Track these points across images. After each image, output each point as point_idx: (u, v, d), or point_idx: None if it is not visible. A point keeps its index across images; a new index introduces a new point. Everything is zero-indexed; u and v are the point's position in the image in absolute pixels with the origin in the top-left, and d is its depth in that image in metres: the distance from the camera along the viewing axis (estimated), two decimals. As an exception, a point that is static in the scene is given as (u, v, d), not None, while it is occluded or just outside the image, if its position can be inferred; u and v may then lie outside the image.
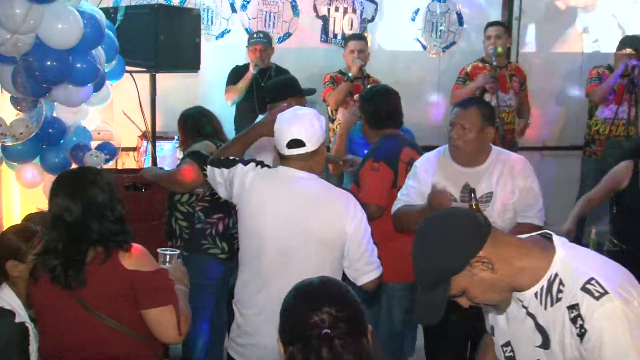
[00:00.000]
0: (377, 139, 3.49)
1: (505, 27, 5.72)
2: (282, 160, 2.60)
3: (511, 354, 1.90)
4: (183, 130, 3.82)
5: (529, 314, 1.80)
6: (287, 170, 2.57)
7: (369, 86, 3.65)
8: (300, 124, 2.53)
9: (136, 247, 2.25)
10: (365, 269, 2.58)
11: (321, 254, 2.50)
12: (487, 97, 5.47)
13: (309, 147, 2.53)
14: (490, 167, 3.02)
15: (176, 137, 4.75)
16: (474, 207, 2.81)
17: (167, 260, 2.45)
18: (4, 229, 2.89)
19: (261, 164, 2.63)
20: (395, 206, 3.13)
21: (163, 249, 2.52)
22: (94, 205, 2.22)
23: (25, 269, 2.45)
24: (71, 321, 2.19)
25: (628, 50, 5.39)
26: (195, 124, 3.78)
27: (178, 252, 2.51)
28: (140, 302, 2.17)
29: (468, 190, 2.89)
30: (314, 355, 1.47)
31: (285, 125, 2.54)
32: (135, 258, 2.20)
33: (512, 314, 1.87)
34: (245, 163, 2.63)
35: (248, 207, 2.57)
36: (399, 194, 3.15)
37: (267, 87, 4.13)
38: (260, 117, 4.10)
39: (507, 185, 2.99)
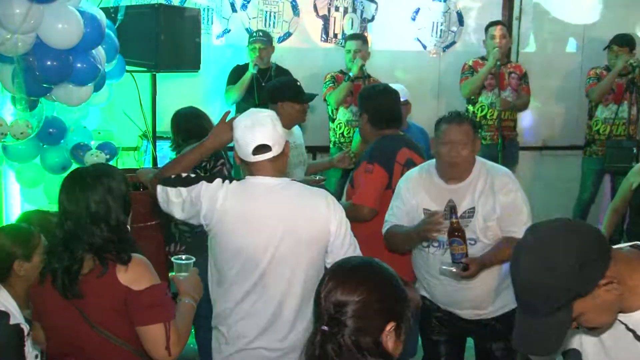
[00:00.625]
0: (375, 140, 3.45)
1: (506, 27, 5.73)
2: (248, 166, 2.50)
3: None
4: (175, 131, 3.76)
5: (637, 337, 1.63)
6: (259, 180, 2.48)
7: (369, 85, 3.62)
8: (263, 129, 2.45)
9: (136, 260, 2.17)
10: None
11: (309, 255, 2.47)
12: (485, 93, 5.49)
13: (276, 151, 2.47)
14: (474, 181, 2.92)
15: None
16: (454, 224, 2.76)
17: (182, 269, 2.33)
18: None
19: (229, 179, 2.52)
20: (385, 227, 3.05)
21: (177, 257, 2.37)
22: (86, 211, 2.16)
23: (31, 268, 2.44)
24: (70, 328, 2.18)
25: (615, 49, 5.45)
26: (187, 125, 3.72)
27: (193, 260, 2.36)
28: (131, 319, 2.15)
29: (449, 207, 2.82)
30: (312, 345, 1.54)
31: (248, 132, 2.45)
32: (131, 272, 2.14)
33: (612, 337, 1.68)
34: (210, 180, 2.48)
35: (226, 226, 2.44)
36: (386, 215, 3.06)
37: (267, 88, 4.11)
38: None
39: (489, 201, 2.87)
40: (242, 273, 2.44)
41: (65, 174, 3.73)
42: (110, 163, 4.11)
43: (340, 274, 1.61)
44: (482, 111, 5.56)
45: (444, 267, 2.84)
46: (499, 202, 2.86)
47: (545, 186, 6.14)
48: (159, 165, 4.38)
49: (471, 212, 2.89)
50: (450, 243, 2.79)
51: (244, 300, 2.45)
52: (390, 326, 1.56)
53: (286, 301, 2.45)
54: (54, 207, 3.69)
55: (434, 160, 3.01)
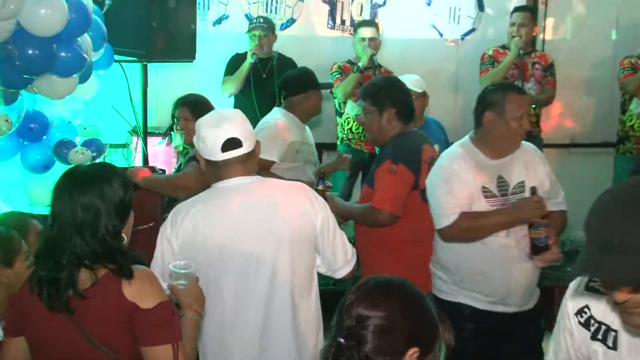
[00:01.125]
0: (392, 138, 3.38)
1: (532, 12, 5.70)
2: (216, 169, 2.44)
3: None
4: (194, 118, 3.77)
5: None
6: (228, 182, 2.44)
7: (381, 76, 3.60)
8: (231, 122, 2.42)
9: (140, 272, 2.14)
10: (342, 258, 2.57)
11: (293, 256, 2.45)
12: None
13: (247, 147, 2.42)
14: (515, 154, 3.10)
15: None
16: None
17: (181, 278, 2.27)
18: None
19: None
20: (452, 218, 3.00)
21: (176, 264, 2.29)
22: (71, 218, 2.11)
23: (14, 274, 2.45)
24: (63, 343, 2.16)
25: None
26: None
27: (193, 269, 2.28)
28: (137, 338, 2.14)
29: (530, 189, 2.98)
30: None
31: (214, 128, 2.41)
32: (137, 287, 2.11)
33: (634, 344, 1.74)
34: (168, 219, 2.46)
35: (203, 251, 2.39)
36: (448, 206, 3.03)
37: (286, 79, 4.17)
38: (276, 111, 4.12)
39: (538, 171, 3.10)
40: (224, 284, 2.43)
41: (47, 173, 3.78)
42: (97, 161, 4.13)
43: (368, 287, 1.61)
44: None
45: (534, 255, 3.01)
46: (545, 172, 3.11)
47: (573, 187, 6.06)
48: (150, 164, 4.38)
49: (521, 186, 3.05)
50: (535, 227, 2.94)
51: (226, 322, 2.44)
52: (413, 352, 1.54)
53: (274, 310, 2.44)
54: (34, 209, 3.70)
55: (466, 139, 3.15)
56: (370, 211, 3.25)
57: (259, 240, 2.42)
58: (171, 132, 3.83)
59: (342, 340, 1.53)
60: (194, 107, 3.78)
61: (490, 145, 3.07)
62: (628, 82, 5.56)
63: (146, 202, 3.67)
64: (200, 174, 3.54)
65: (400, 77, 4.39)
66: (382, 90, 3.43)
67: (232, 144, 2.40)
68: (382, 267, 2.85)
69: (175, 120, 3.84)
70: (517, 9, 5.60)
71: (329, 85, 4.02)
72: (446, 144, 4.29)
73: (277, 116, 4.10)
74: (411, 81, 4.33)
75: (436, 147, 4.04)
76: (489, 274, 3.06)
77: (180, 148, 3.76)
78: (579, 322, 1.84)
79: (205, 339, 2.48)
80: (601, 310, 1.80)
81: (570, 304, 1.88)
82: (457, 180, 3.03)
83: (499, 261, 3.05)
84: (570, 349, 1.90)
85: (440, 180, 3.08)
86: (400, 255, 3.24)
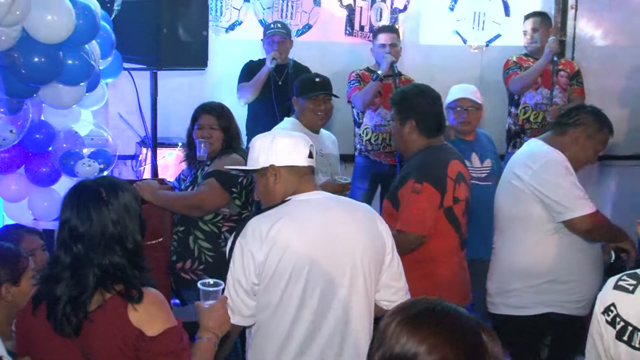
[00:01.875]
0: (418, 151, 3.38)
1: (544, 17, 5.66)
2: (297, 178, 2.51)
3: None
4: (227, 130, 3.76)
5: None
6: (306, 196, 2.51)
7: (407, 85, 3.58)
8: (301, 134, 2.61)
9: (149, 297, 2.14)
10: (406, 287, 2.59)
11: (370, 275, 2.49)
12: (529, 92, 5.43)
13: (314, 160, 2.58)
14: None
15: (180, 144, 4.76)
16: None
17: (209, 296, 2.26)
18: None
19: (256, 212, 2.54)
20: (592, 207, 3.24)
21: (204, 281, 2.30)
22: (101, 233, 2.13)
23: (19, 293, 2.48)
24: None
25: None
26: (237, 130, 3.81)
27: (222, 286, 2.29)
28: None
29: None
30: None
31: (290, 136, 2.57)
32: (143, 311, 2.11)
33: None
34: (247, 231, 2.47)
35: (287, 262, 2.41)
36: (583, 195, 3.25)
37: (295, 85, 4.18)
38: (285, 122, 4.12)
39: None
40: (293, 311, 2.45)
41: (54, 187, 3.79)
42: (106, 173, 4.14)
43: (409, 317, 1.46)
44: (525, 113, 5.51)
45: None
46: None
47: (606, 202, 6.05)
48: (159, 176, 4.39)
49: None
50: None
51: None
52: None
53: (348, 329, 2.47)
54: (38, 224, 3.72)
55: (545, 144, 3.37)
56: (396, 236, 3.22)
57: (344, 258, 2.46)
58: (196, 141, 3.77)
59: None
60: (219, 115, 3.78)
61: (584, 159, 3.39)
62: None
63: (154, 216, 3.67)
64: (217, 194, 3.58)
65: (455, 87, 4.45)
66: (407, 100, 3.43)
67: (311, 152, 2.53)
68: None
69: (195, 128, 3.80)
70: (529, 15, 5.59)
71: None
72: (496, 156, 4.36)
73: (284, 127, 4.09)
74: (466, 93, 4.33)
75: (488, 161, 4.02)
76: (582, 275, 3.28)
77: (204, 158, 3.74)
78: (606, 321, 1.89)
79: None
80: (628, 309, 1.85)
81: (598, 303, 1.94)
82: (573, 179, 3.27)
83: (592, 263, 3.31)
84: (601, 352, 1.94)
85: (565, 172, 3.25)
86: (422, 273, 3.21)
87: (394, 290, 2.57)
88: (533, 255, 3.30)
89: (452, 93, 4.38)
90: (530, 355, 3.42)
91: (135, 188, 3.78)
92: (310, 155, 2.52)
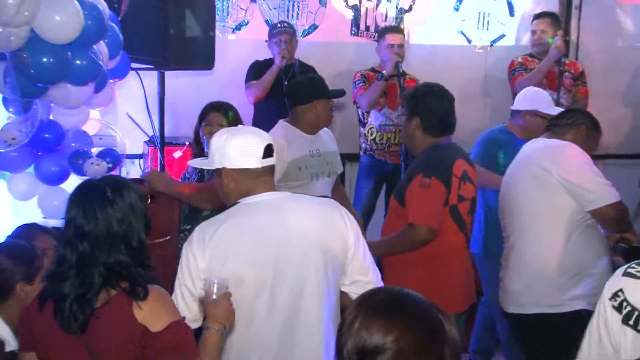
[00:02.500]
0: (423, 149, 3.38)
1: (554, 18, 5.63)
2: (251, 179, 2.44)
3: None
4: (228, 125, 3.69)
5: None
6: (258, 197, 2.43)
7: (421, 83, 3.55)
8: (260, 132, 2.49)
9: (153, 294, 2.14)
10: (374, 281, 2.54)
11: (327, 272, 2.44)
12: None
13: (274, 159, 2.48)
14: None
15: (187, 143, 4.76)
16: None
17: (214, 291, 2.25)
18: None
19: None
20: (616, 197, 3.28)
21: (207, 279, 2.29)
22: (107, 231, 2.14)
23: (32, 291, 2.47)
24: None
25: None
26: None
27: (227, 281, 2.28)
28: None
29: None
30: None
31: (251, 133, 2.47)
32: (148, 308, 2.11)
33: None
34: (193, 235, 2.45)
35: (229, 269, 2.36)
36: (611, 186, 3.29)
37: (291, 87, 4.08)
38: (277, 126, 4.07)
39: None
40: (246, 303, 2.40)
41: (61, 186, 3.80)
42: (113, 172, 4.14)
43: (372, 309, 1.54)
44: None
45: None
46: None
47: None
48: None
49: None
50: None
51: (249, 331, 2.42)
52: None
53: (297, 332, 2.42)
54: (48, 222, 3.72)
55: (555, 140, 3.43)
56: (407, 230, 3.22)
57: (293, 258, 2.40)
58: (204, 138, 3.75)
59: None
60: (228, 113, 3.79)
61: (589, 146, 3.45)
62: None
63: (162, 214, 3.68)
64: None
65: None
66: (415, 98, 3.43)
67: (269, 151, 2.43)
68: (407, 283, 2.83)
69: (203, 125, 3.80)
70: (537, 15, 5.55)
71: (340, 93, 3.96)
72: None
73: (275, 133, 3.79)
74: (524, 97, 4.33)
75: None
76: (604, 267, 3.30)
77: None
78: (613, 306, 1.92)
79: (230, 355, 2.44)
80: (636, 294, 1.88)
81: (606, 289, 1.96)
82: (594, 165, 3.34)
83: (609, 255, 3.36)
84: (603, 335, 1.96)
85: (590, 162, 3.32)
86: (426, 271, 3.23)
87: (362, 284, 2.50)
88: (563, 250, 3.27)
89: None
90: (564, 352, 3.38)
91: (147, 177, 3.79)
92: (268, 155, 2.43)
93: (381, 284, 2.56)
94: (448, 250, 3.30)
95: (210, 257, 2.38)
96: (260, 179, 2.45)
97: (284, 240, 2.41)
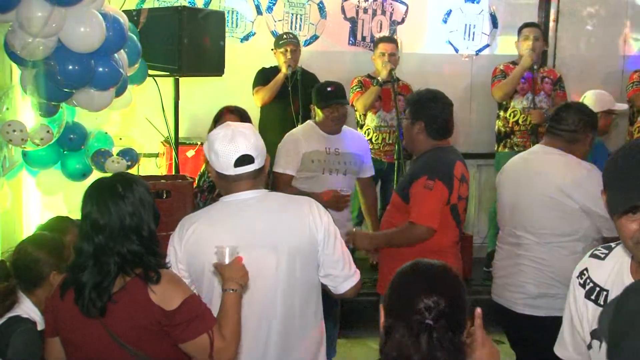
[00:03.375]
0: (425, 151, 3.34)
1: (540, 28, 5.64)
2: (226, 182, 2.40)
3: None
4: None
5: None
6: (233, 197, 2.41)
7: (422, 89, 3.53)
8: (244, 138, 2.36)
9: (165, 276, 2.15)
10: (343, 274, 2.48)
11: (293, 268, 2.39)
12: (517, 98, 5.40)
13: (258, 164, 2.38)
14: None
15: (200, 143, 4.76)
16: None
17: (227, 254, 2.22)
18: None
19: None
20: None
21: (218, 246, 2.26)
22: (120, 224, 2.14)
23: (61, 279, 2.48)
24: (95, 346, 2.17)
25: None
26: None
27: (237, 247, 2.25)
28: (171, 338, 2.13)
29: None
30: (411, 339, 1.56)
31: (229, 142, 2.34)
32: (161, 291, 2.12)
33: None
34: (176, 229, 2.43)
35: (200, 260, 2.35)
36: None
37: (316, 89, 4.14)
38: (306, 123, 4.12)
39: None
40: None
41: (85, 181, 3.80)
42: (131, 170, 4.15)
43: (428, 273, 1.68)
44: (514, 117, 5.48)
45: None
46: None
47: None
48: (180, 172, 4.40)
49: None
50: None
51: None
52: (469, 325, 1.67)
53: (275, 321, 2.39)
54: (72, 216, 3.73)
55: (560, 152, 3.27)
56: (408, 227, 3.22)
57: (260, 252, 2.36)
58: None
59: (431, 321, 1.57)
60: (242, 116, 3.77)
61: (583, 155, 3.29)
62: (637, 97, 5.48)
63: (176, 208, 3.67)
64: None
65: (587, 93, 4.45)
66: (419, 103, 3.39)
67: (245, 160, 2.36)
68: None
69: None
70: (528, 24, 5.53)
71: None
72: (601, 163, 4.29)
73: (297, 129, 4.18)
74: (596, 100, 4.29)
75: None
76: None
77: None
78: (579, 283, 1.95)
79: None
80: (598, 273, 1.91)
81: (575, 269, 2.00)
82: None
83: None
84: (573, 311, 1.98)
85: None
86: None
87: (332, 277, 2.48)
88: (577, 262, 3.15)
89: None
90: None
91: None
92: (243, 163, 2.35)
93: (354, 277, 2.51)
94: (449, 244, 3.29)
95: (185, 249, 2.38)
96: (236, 183, 2.40)
97: (248, 231, 2.36)
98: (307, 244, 2.42)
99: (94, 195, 2.21)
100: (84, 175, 3.79)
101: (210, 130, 3.81)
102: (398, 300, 1.64)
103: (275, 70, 5.15)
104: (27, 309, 2.49)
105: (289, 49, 5.09)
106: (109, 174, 2.36)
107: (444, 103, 3.40)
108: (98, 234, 2.15)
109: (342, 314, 4.22)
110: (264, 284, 2.37)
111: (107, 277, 2.12)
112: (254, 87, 5.18)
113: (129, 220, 2.15)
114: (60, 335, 2.25)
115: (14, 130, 3.30)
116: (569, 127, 3.26)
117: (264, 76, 5.16)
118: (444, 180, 3.21)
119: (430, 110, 3.33)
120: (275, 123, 4.98)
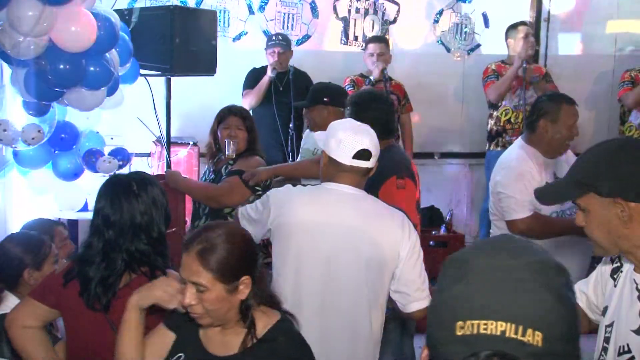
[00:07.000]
0: (384, 150, 3.31)
1: (530, 27, 5.64)
2: (337, 170, 2.45)
3: (609, 334, 1.86)
4: (251, 130, 3.71)
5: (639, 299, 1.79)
6: (335, 186, 2.46)
7: (364, 90, 3.51)
8: (369, 136, 2.45)
9: (172, 275, 2.12)
10: (416, 295, 2.47)
11: (368, 275, 2.42)
12: (508, 96, 5.41)
13: (372, 163, 2.46)
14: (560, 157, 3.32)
15: (191, 143, 4.75)
16: None
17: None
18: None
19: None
20: (527, 212, 3.15)
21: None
22: (131, 222, 2.15)
23: (41, 276, 2.48)
24: (95, 335, 2.17)
25: None
26: (257, 133, 3.76)
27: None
28: None
29: None
30: None
31: (355, 134, 2.43)
32: None
33: (624, 294, 1.84)
34: (272, 193, 2.55)
35: (287, 232, 2.44)
36: (524, 202, 3.12)
37: (331, 87, 4.03)
38: (307, 134, 4.12)
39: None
40: (297, 283, 2.42)
41: (76, 181, 3.78)
42: (122, 170, 4.13)
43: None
44: (506, 115, 5.49)
45: None
46: None
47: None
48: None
49: None
50: None
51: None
52: None
53: (336, 321, 2.42)
54: (64, 215, 3.71)
55: (520, 143, 3.33)
56: None
57: (342, 247, 2.41)
58: (225, 140, 3.68)
59: None
60: (245, 117, 3.76)
61: (542, 148, 3.25)
62: (626, 96, 5.50)
63: (171, 207, 3.65)
64: (237, 191, 3.50)
65: None
66: (359, 105, 3.29)
67: (363, 155, 2.42)
68: None
69: (222, 127, 3.71)
70: (520, 23, 5.54)
71: (303, 104, 4.01)
72: None
73: (307, 133, 4.24)
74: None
75: None
76: None
77: (233, 156, 3.69)
78: (611, 258, 1.97)
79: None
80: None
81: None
82: (530, 178, 3.16)
83: None
84: (592, 281, 2.03)
85: (515, 179, 3.18)
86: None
87: (403, 295, 2.48)
88: (573, 262, 3.17)
89: None
90: None
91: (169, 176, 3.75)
92: (361, 157, 2.42)
93: (425, 300, 2.45)
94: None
95: (275, 220, 2.47)
96: (345, 174, 2.45)
97: (339, 223, 2.42)
98: (389, 257, 2.44)
99: (108, 191, 2.22)
100: (75, 175, 3.78)
101: (212, 129, 3.80)
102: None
103: (266, 70, 5.14)
104: (12, 305, 2.47)
105: (275, 51, 5.08)
106: (113, 176, 2.35)
107: (383, 98, 3.45)
108: (109, 230, 2.16)
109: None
110: (337, 285, 2.41)
111: (113, 272, 2.14)
112: (243, 90, 5.18)
113: (139, 218, 2.16)
114: (65, 320, 2.26)
115: (5, 130, 3.29)
116: (530, 117, 3.38)
117: (254, 77, 5.16)
118: (410, 177, 3.24)
119: (377, 110, 3.25)
120: (267, 123, 4.97)
